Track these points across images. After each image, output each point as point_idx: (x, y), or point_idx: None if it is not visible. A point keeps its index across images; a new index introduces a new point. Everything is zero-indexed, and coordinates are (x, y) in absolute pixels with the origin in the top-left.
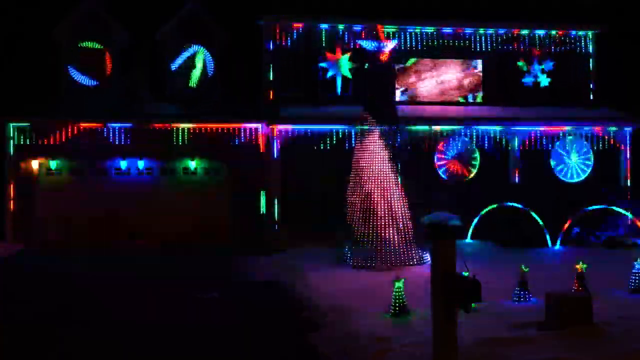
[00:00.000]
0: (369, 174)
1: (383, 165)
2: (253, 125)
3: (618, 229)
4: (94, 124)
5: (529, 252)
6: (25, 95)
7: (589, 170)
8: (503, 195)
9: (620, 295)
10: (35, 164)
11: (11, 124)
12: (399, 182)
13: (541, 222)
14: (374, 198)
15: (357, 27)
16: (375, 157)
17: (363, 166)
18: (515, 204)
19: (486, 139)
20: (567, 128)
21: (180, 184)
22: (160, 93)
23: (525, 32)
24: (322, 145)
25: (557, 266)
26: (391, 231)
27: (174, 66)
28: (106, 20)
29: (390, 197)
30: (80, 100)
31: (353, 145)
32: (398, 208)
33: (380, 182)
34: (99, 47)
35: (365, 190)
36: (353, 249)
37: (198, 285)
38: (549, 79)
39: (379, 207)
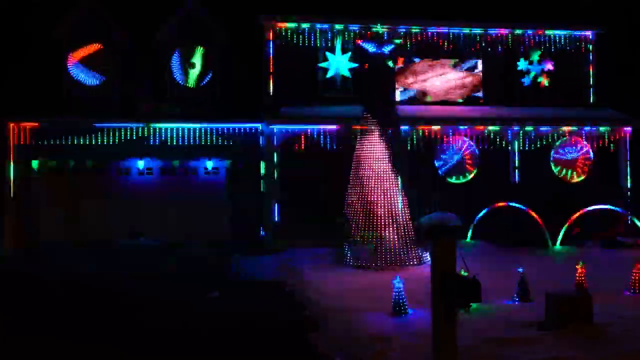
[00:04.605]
0: (369, 174)
1: (383, 166)
2: (253, 125)
3: (618, 229)
4: (94, 124)
5: (529, 252)
6: (25, 95)
7: (589, 170)
8: (503, 195)
9: (620, 295)
10: (35, 164)
11: (11, 124)
12: (399, 182)
13: (541, 222)
14: (373, 198)
15: (358, 27)
16: (374, 157)
17: (363, 167)
18: (515, 204)
19: (486, 139)
20: (567, 128)
21: (180, 184)
22: (160, 93)
23: (525, 32)
24: (322, 144)
25: (557, 266)
26: (391, 231)
27: (174, 66)
28: (106, 20)
29: (390, 197)
30: (80, 100)
31: (353, 144)
32: (398, 208)
33: (380, 182)
34: (99, 47)
35: (365, 190)
36: (353, 248)
37: (198, 285)
38: (549, 79)
39: (378, 207)
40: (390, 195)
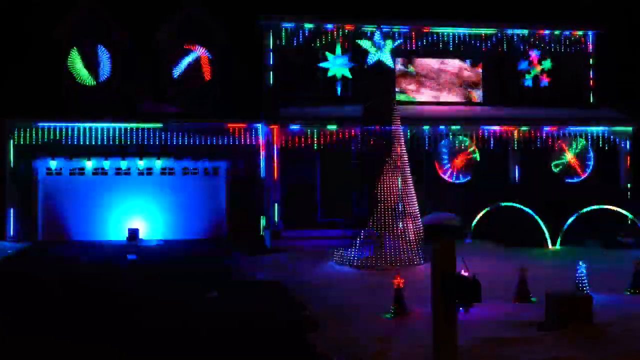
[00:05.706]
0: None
1: (386, 167)
2: (253, 125)
3: (618, 229)
4: (94, 124)
5: (529, 252)
6: (25, 95)
7: (589, 170)
8: (503, 195)
9: (620, 295)
10: (35, 164)
11: (11, 124)
12: (399, 183)
13: (541, 222)
14: (375, 198)
15: (358, 27)
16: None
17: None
18: (515, 204)
19: (486, 139)
20: (567, 128)
21: (180, 184)
22: (160, 93)
23: (525, 32)
24: (322, 145)
25: (557, 266)
26: (392, 231)
27: (173, 66)
28: (106, 21)
29: (393, 198)
30: (80, 100)
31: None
32: (399, 208)
33: (383, 182)
34: (98, 47)
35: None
36: (353, 248)
37: (197, 285)
38: (548, 79)
39: (380, 206)
40: (393, 195)
